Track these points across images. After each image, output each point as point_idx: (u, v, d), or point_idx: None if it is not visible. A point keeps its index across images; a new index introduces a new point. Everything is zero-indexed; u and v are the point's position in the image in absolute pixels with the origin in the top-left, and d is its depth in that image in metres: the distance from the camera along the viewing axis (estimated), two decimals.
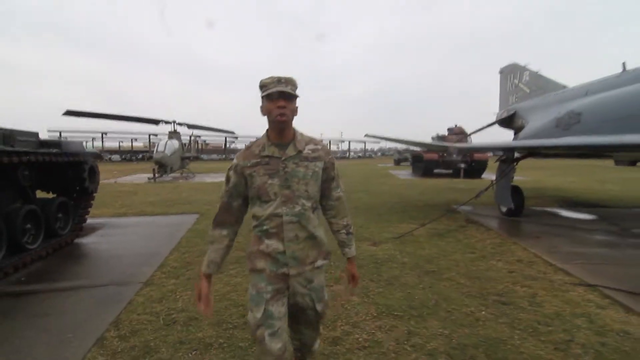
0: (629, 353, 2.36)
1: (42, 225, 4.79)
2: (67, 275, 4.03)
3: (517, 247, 4.85)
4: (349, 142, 65.73)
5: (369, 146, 76.64)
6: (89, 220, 6.25)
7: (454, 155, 18.70)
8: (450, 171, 19.28)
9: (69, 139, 6.64)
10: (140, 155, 48.20)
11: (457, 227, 6.17)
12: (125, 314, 2.95)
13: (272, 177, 1.52)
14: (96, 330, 2.68)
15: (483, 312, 2.96)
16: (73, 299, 3.32)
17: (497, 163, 8.18)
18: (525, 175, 18.49)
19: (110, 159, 42.33)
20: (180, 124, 20.47)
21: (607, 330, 2.64)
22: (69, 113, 14.98)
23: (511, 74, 13.23)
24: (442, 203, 8.92)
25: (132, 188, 12.99)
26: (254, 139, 1.65)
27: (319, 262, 1.62)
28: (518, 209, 7.01)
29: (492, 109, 14.52)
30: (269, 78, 1.51)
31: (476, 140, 17.91)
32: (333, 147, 66.54)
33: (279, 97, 1.48)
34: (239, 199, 1.62)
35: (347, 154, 66.04)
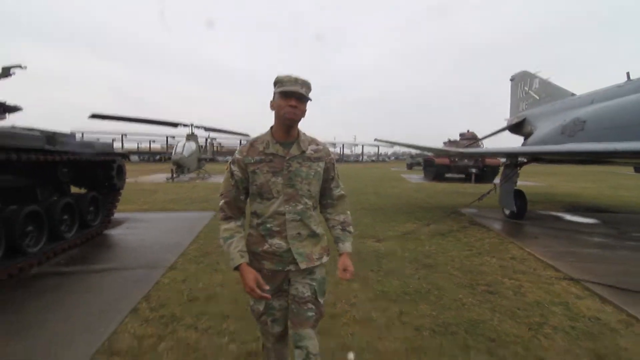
0: (595, 334, 2.65)
1: (76, 217, 5.33)
2: (100, 260, 4.53)
3: (513, 246, 5.13)
4: (362, 145, 65.87)
5: (382, 150, 76.54)
6: (115, 215, 6.78)
7: (465, 160, 18.84)
8: (463, 176, 19.35)
9: (100, 140, 7.20)
10: (158, 157, 49.58)
11: (459, 227, 6.45)
12: (153, 291, 3.40)
13: (275, 175, 1.54)
14: (130, 303, 3.13)
15: (470, 299, 3.28)
16: (108, 279, 3.79)
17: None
18: (540, 180, 18.45)
19: (129, 159, 43.80)
20: (197, 127, 21.20)
21: (580, 317, 2.94)
22: (94, 116, 15.80)
23: (522, 81, 13.37)
24: (449, 206, 9.16)
25: (152, 187, 13.65)
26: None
27: (324, 259, 1.67)
28: (521, 212, 7.23)
29: (505, 115, 14.66)
30: (286, 76, 1.52)
31: (489, 145, 18.01)
32: (346, 151, 66.76)
33: (291, 97, 1.50)
34: (244, 193, 1.63)
35: (361, 158, 66.17)
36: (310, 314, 1.61)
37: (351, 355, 2.32)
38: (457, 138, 22.40)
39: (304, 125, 1.66)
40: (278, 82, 1.52)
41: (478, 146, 18.12)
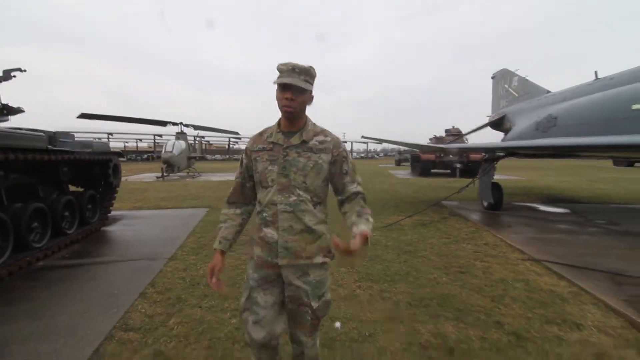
0: (547, 303, 3.08)
1: (76, 214, 5.57)
2: (103, 253, 4.80)
3: (488, 234, 5.58)
4: (352, 142, 66.43)
5: (371, 147, 77.30)
6: (111, 213, 7.01)
7: (450, 156, 19.43)
8: (448, 171, 19.94)
9: (98, 140, 7.39)
10: (146, 156, 49.15)
11: (440, 218, 6.89)
12: (158, 278, 3.71)
13: (272, 163, 1.53)
14: (137, 288, 3.43)
15: (444, 279, 3.68)
16: (113, 269, 4.09)
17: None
18: (523, 175, 19.13)
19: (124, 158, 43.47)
20: (186, 125, 21.30)
21: (537, 290, 3.37)
22: (83, 116, 15.80)
23: (502, 79, 13.92)
24: (433, 199, 9.61)
25: (143, 186, 13.79)
26: None
27: (319, 259, 1.55)
28: (498, 203, 7.71)
29: (488, 112, 15.25)
30: (285, 64, 1.46)
31: (473, 140, 18.63)
32: None
33: (286, 89, 1.46)
34: (251, 181, 1.65)
35: (351, 155, 66.76)
36: (307, 317, 1.57)
37: (338, 324, 2.69)
38: (443, 134, 23.07)
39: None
40: (278, 72, 1.48)
41: (462, 142, 18.73)
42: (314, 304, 1.55)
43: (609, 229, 6.00)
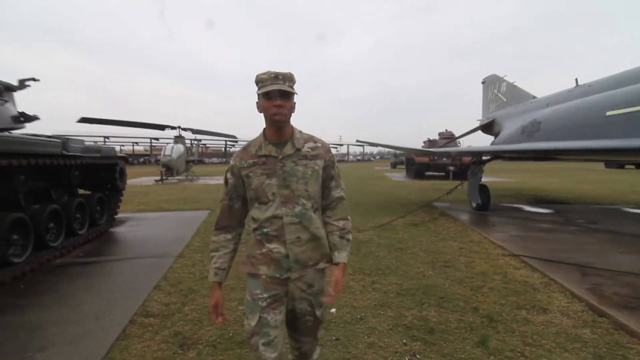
0: (520, 292, 3.46)
1: (87, 216, 5.89)
2: (114, 252, 5.14)
3: (473, 233, 5.97)
4: (348, 145, 66.93)
5: (367, 149, 77.84)
6: (117, 215, 7.32)
7: (444, 159, 19.90)
8: (442, 174, 20.38)
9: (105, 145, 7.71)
10: (142, 159, 49.27)
11: (431, 218, 7.28)
12: (169, 273, 4.05)
13: (269, 177, 1.48)
14: (151, 282, 3.77)
15: (430, 272, 4.06)
16: (126, 266, 4.42)
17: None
18: (514, 177, 19.64)
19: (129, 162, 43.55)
20: (184, 129, 21.59)
21: (512, 281, 3.75)
22: (83, 120, 16.03)
23: (492, 84, 14.41)
24: (425, 201, 10.01)
25: (143, 189, 14.08)
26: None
27: (321, 265, 1.56)
28: (485, 204, 8.12)
29: (479, 116, 15.74)
30: (265, 73, 1.44)
31: (469, 144, 19.12)
32: (332, 151, 67.56)
33: (276, 96, 1.42)
34: (239, 200, 1.59)
35: (347, 157, 67.17)
36: (309, 324, 1.59)
37: (333, 310, 3.04)
38: (437, 137, 23.56)
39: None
40: (259, 82, 1.46)
41: (455, 145, 19.21)
42: (318, 312, 1.58)
43: (587, 227, 6.42)
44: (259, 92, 1.45)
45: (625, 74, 6.84)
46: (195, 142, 27.74)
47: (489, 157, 9.04)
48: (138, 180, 19.22)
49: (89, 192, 6.61)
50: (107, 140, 48.29)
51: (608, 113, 6.41)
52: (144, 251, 5.05)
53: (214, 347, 2.49)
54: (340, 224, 1.59)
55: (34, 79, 5.48)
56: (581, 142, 6.49)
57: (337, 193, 1.62)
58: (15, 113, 5.18)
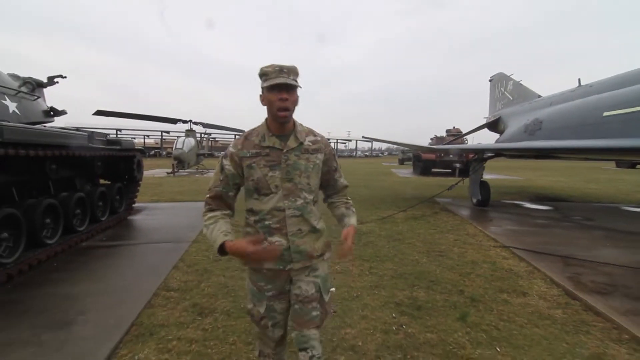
0: (505, 278, 3.78)
1: (108, 204, 6.34)
2: (134, 237, 5.58)
3: (470, 226, 6.27)
4: (356, 141, 67.02)
5: (375, 145, 77.81)
6: (135, 204, 7.78)
7: (450, 156, 20.06)
8: (449, 170, 20.54)
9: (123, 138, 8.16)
10: (153, 152, 50.15)
11: (431, 213, 7.58)
12: (185, 255, 4.46)
13: (273, 169, 1.49)
14: (170, 263, 4.17)
15: (424, 260, 4.39)
16: (146, 249, 4.85)
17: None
18: (521, 175, 19.69)
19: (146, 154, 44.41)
20: (196, 123, 22.10)
21: (499, 269, 4.07)
22: (99, 113, 16.59)
23: (499, 82, 14.54)
24: (429, 197, 10.30)
25: (156, 181, 14.59)
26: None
27: (327, 255, 1.62)
28: (485, 200, 8.38)
29: (485, 113, 15.89)
30: (269, 66, 1.44)
31: (478, 141, 19.23)
32: (340, 146, 67.85)
33: (280, 89, 1.42)
34: (234, 189, 1.58)
35: (355, 153, 67.31)
36: (315, 313, 1.56)
37: (332, 289, 3.39)
38: (444, 134, 23.68)
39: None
40: (263, 75, 1.45)
41: (462, 142, 19.35)
42: (325, 297, 1.59)
43: (582, 224, 6.66)
44: (264, 85, 1.45)
45: (623, 76, 7.01)
46: (206, 135, 28.29)
47: (490, 155, 9.26)
48: (150, 172, 19.79)
49: (109, 182, 7.07)
50: (119, 132, 49.31)
51: (605, 113, 6.61)
52: (161, 237, 5.47)
53: (227, 315, 2.88)
54: (343, 199, 1.72)
55: (61, 76, 5.91)
56: (578, 141, 6.71)
57: (343, 182, 1.72)
58: (46, 108, 5.62)
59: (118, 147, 6.44)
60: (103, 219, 6.06)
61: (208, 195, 1.58)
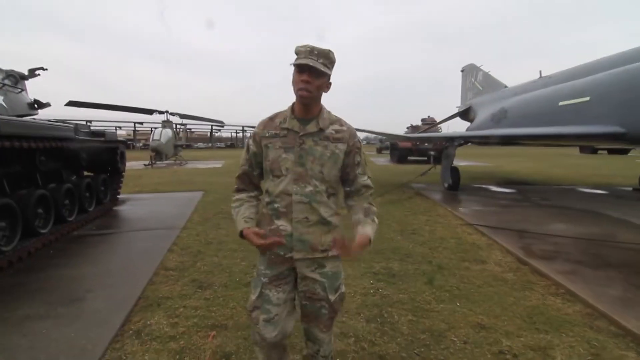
0: (468, 250, 4.31)
1: (94, 194, 6.46)
2: (124, 226, 5.78)
3: (441, 208, 6.83)
4: None
5: None
6: (119, 195, 7.89)
7: (426, 144, 20.83)
8: (424, 158, 21.31)
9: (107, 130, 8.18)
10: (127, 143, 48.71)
11: (406, 197, 8.11)
12: (178, 240, 4.74)
13: (287, 151, 1.47)
14: (164, 247, 4.44)
15: (398, 237, 4.87)
16: (138, 236, 5.08)
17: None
18: (493, 162, 20.73)
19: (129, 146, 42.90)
20: (172, 114, 21.82)
21: (464, 243, 4.60)
22: (71, 103, 16.14)
23: (470, 72, 15.23)
24: (405, 182, 10.86)
25: (135, 172, 14.47)
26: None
27: (334, 252, 1.51)
28: (455, 184, 8.99)
29: (458, 103, 16.58)
30: (303, 46, 1.41)
31: (452, 129, 20.05)
32: None
33: (302, 70, 1.40)
34: (258, 168, 1.59)
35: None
36: (323, 311, 1.55)
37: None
38: (419, 123, 24.44)
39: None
40: (296, 54, 1.43)
41: (437, 130, 20.10)
42: (331, 297, 1.54)
43: (539, 203, 7.36)
44: (293, 63, 1.43)
45: (577, 68, 7.70)
46: (182, 126, 27.91)
47: (460, 142, 9.89)
48: (128, 164, 19.49)
49: (92, 174, 7.14)
50: (89, 124, 47.48)
51: (560, 103, 7.28)
52: (151, 225, 5.70)
53: (225, 287, 3.23)
54: (365, 204, 1.58)
55: (42, 68, 5.93)
56: (535, 128, 7.37)
57: (363, 180, 1.59)
58: (30, 100, 5.66)
59: (102, 139, 6.54)
60: (90, 209, 6.19)
61: (237, 175, 1.64)
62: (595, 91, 6.46)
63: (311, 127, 1.48)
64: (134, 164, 19.70)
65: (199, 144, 56.38)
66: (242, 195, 1.61)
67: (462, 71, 15.96)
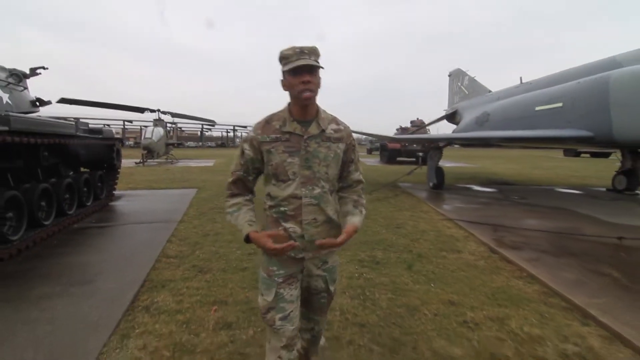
0: (446, 241, 4.69)
1: (91, 190, 6.67)
2: (122, 219, 6.02)
3: (425, 205, 7.23)
4: None
5: None
6: (115, 190, 8.09)
7: (414, 145, 21.35)
8: (413, 159, 21.82)
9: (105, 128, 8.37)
10: None
11: (393, 195, 8.50)
12: (176, 232, 5.02)
13: (292, 155, 1.46)
14: (164, 238, 4.72)
15: (384, 231, 5.23)
16: (137, 229, 5.34)
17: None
18: (478, 163, 21.33)
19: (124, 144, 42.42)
20: (164, 113, 21.92)
21: (443, 235, 4.99)
22: (63, 101, 16.16)
23: (456, 77, 15.76)
24: (392, 182, 11.27)
25: (127, 170, 14.56)
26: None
27: (324, 241, 1.51)
28: (440, 184, 9.42)
29: (445, 106, 17.11)
30: (290, 49, 1.40)
31: (442, 131, 20.61)
32: None
33: (302, 72, 1.38)
34: (254, 173, 1.57)
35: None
36: (323, 301, 1.65)
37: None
38: (409, 125, 24.98)
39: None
40: (283, 59, 1.42)
41: (425, 132, 20.62)
42: (332, 288, 1.63)
43: (516, 202, 7.82)
44: (285, 69, 1.42)
45: (553, 76, 8.20)
46: (173, 125, 27.92)
47: (444, 144, 10.34)
48: None
49: (89, 170, 7.34)
50: (77, 122, 46.92)
51: (537, 108, 7.77)
52: (148, 218, 5.95)
53: (224, 272, 3.54)
54: (354, 196, 1.64)
55: (43, 67, 6.13)
56: (512, 132, 7.84)
57: (356, 176, 1.64)
58: (32, 98, 5.86)
59: (100, 136, 6.76)
60: (88, 203, 6.41)
61: (230, 180, 1.59)
62: (567, 98, 6.94)
63: (313, 129, 1.49)
64: (125, 161, 19.66)
65: (189, 142, 56.15)
66: (239, 200, 1.59)
67: (449, 75, 16.51)
